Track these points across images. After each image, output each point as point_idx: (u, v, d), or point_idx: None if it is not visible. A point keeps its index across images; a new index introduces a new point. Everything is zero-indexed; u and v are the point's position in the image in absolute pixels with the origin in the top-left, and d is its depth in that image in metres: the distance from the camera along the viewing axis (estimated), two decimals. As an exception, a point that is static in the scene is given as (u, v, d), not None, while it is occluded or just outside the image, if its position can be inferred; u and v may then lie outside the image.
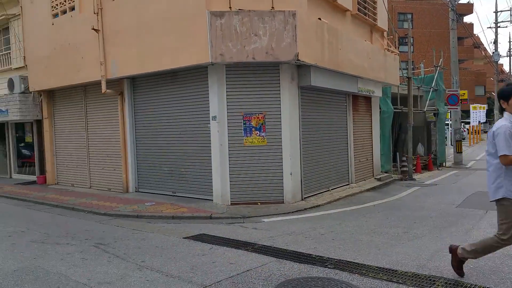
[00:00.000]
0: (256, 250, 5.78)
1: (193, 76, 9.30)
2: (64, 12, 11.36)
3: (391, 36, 14.30)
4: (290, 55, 8.30)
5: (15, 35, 13.79)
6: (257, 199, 8.85)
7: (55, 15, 11.62)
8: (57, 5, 11.52)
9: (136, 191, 10.78)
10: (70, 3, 11.14)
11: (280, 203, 8.84)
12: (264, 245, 5.99)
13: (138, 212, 8.36)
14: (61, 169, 12.98)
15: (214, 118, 8.81)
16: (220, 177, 8.79)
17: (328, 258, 5.35)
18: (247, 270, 4.97)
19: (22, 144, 15.24)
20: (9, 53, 14.53)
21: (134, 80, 10.58)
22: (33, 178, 14.16)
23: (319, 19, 9.17)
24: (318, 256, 5.45)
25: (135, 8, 9.49)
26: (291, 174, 8.86)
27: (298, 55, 8.27)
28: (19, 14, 13.13)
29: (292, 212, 8.26)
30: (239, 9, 8.28)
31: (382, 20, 12.78)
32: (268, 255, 5.53)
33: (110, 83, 10.45)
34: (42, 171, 13.59)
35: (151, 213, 8.27)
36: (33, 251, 6.01)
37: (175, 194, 9.91)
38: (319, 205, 8.86)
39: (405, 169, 13.53)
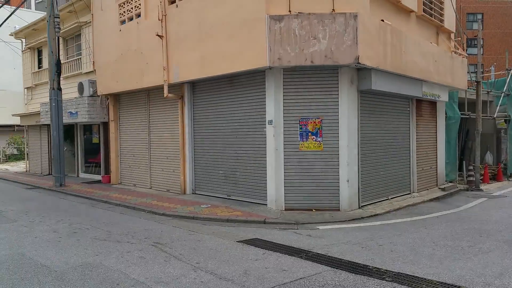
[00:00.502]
0: (310, 258, 5.63)
1: (250, 80, 9.34)
2: (131, 19, 11.93)
3: (459, 38, 13.49)
4: (350, 58, 8.06)
5: (86, 41, 14.71)
6: (312, 205, 8.66)
7: (123, 22, 12.23)
8: (124, 12, 12.12)
9: (192, 193, 11.01)
10: (136, 10, 11.68)
11: (336, 210, 8.59)
12: (318, 253, 5.82)
13: (194, 214, 8.51)
14: (124, 169, 13.61)
15: (270, 122, 8.76)
16: (274, 182, 8.73)
17: (386, 270, 5.09)
18: (300, 278, 4.85)
19: (89, 145, 16.17)
20: (80, 58, 15.53)
21: (194, 85, 10.84)
22: (98, 177, 14.98)
23: (382, 20, 8.83)
24: (375, 267, 5.20)
25: (197, 15, 9.72)
26: (347, 181, 8.58)
27: (358, 58, 8.01)
28: (90, 22, 14.00)
29: (348, 220, 7.99)
30: (298, 13, 8.20)
31: (449, 21, 12.07)
32: (322, 263, 5.37)
33: (172, 87, 10.80)
34: (107, 171, 14.32)
35: (206, 215, 8.38)
36: (96, 247, 6.30)
37: (229, 198, 9.99)
38: (377, 214, 8.50)
39: (471, 178, 12.64)
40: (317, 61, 8.13)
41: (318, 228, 7.41)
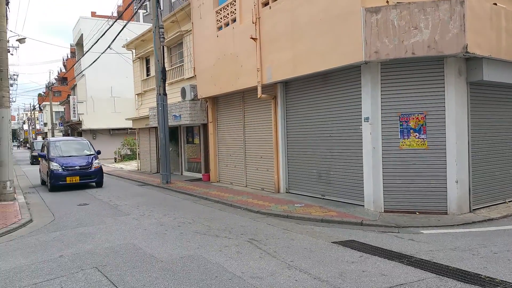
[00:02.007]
0: (412, 263, 5.25)
1: (344, 76, 9.08)
2: (227, 24, 12.40)
3: None
4: (457, 48, 7.37)
5: (187, 49, 15.67)
6: (415, 208, 8.09)
7: (219, 28, 12.78)
8: (221, 18, 12.65)
9: (286, 192, 11.05)
10: (232, 15, 12.11)
11: (443, 214, 7.90)
12: (422, 259, 5.39)
13: (288, 213, 8.51)
14: (222, 168, 14.20)
15: (367, 119, 8.40)
16: (372, 182, 8.34)
17: (501, 281, 4.53)
18: (401, 284, 4.54)
19: (191, 145, 17.19)
20: (182, 65, 16.59)
21: (287, 84, 10.88)
22: (199, 175, 15.85)
23: (495, 4, 7.93)
24: (488, 277, 4.65)
25: (290, 14, 9.75)
26: (456, 181, 7.85)
27: (467, 47, 7.29)
28: (191, 30, 14.88)
29: (458, 225, 7.29)
30: (397, 2, 7.74)
31: None
32: (426, 270, 4.96)
33: (265, 88, 10.98)
34: (207, 169, 15.08)
35: (300, 214, 8.33)
36: (197, 241, 6.64)
37: (324, 197, 9.82)
38: (492, 219, 7.63)
39: None
40: (419, 53, 7.58)
41: (422, 233, 6.88)
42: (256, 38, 10.68)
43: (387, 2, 7.86)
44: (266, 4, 10.67)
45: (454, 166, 7.84)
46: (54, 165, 13.90)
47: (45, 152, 15.11)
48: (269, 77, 10.56)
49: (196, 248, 6.19)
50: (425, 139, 8.04)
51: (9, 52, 13.49)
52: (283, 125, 11.01)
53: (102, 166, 15.87)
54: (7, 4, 12.03)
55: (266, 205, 9.45)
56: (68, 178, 13.84)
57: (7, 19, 11.91)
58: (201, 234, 7.13)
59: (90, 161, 14.58)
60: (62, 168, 13.89)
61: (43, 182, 16.05)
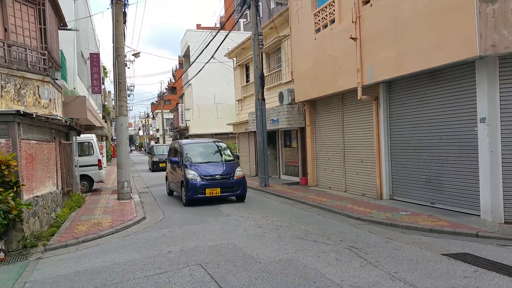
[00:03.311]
0: (542, 284, 4.56)
1: (455, 73, 8.31)
2: (325, 26, 12.24)
3: None
4: None
5: (285, 54, 15.84)
6: (543, 220, 7.05)
7: (317, 30, 12.67)
8: (319, 20, 12.54)
9: (390, 199, 10.47)
10: (330, 16, 11.92)
11: None
12: (555, 280, 4.66)
13: (392, 221, 8.04)
14: (320, 172, 14.01)
15: (483, 120, 7.57)
16: (490, 189, 7.48)
17: None
18: (529, 308, 3.96)
19: (289, 149, 17.28)
20: (280, 70, 16.81)
21: (390, 84, 10.34)
22: (296, 179, 15.85)
23: None
24: None
25: (392, 11, 9.27)
26: None
27: None
28: (288, 35, 15.01)
29: None
30: (518, -12, 6.86)
31: None
32: (562, 294, 4.27)
33: (366, 89, 10.58)
34: (304, 173, 15.02)
35: (406, 223, 7.80)
36: (295, 245, 6.61)
37: (433, 205, 9.08)
38: None
39: None
40: (546, 43, 6.62)
41: (552, 249, 5.97)
42: (356, 38, 10.35)
43: (507, -12, 7.02)
44: (366, 2, 10.29)
45: None
46: (191, 174, 11.32)
47: (178, 157, 12.67)
48: (370, 78, 10.15)
49: (294, 252, 6.17)
50: (557, 142, 6.96)
51: (126, 66, 14.99)
52: (385, 127, 10.47)
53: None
54: (124, 22, 13.40)
55: (367, 212, 9.06)
56: (207, 190, 11.17)
57: (124, 36, 13.27)
58: (298, 238, 7.08)
59: (232, 169, 11.92)
60: (201, 177, 11.29)
61: (171, 193, 14.06)
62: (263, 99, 14.86)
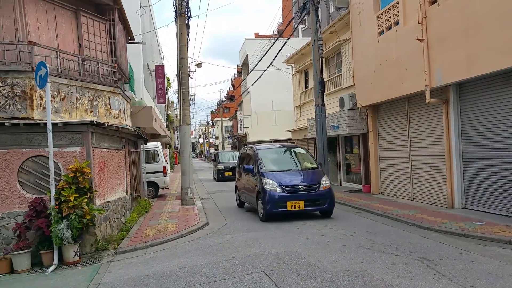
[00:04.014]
0: None
1: (538, 73, 7.63)
2: (389, 28, 11.82)
3: None
4: None
5: (345, 58, 15.52)
6: None
7: (380, 33, 12.26)
8: (382, 23, 12.14)
9: (462, 208, 9.80)
10: (394, 18, 11.50)
11: None
12: None
13: (465, 231, 7.49)
14: (384, 179, 13.47)
15: None
16: None
17: None
18: None
19: (350, 155, 16.84)
20: (340, 75, 16.49)
21: (460, 86, 9.73)
22: (358, 186, 15.37)
23: None
24: None
25: (462, 10, 8.74)
26: None
27: None
28: (349, 39, 14.69)
29: None
30: None
31: None
32: None
33: (434, 92, 10.04)
34: (367, 180, 14.52)
35: (481, 233, 7.23)
36: (361, 255, 6.36)
37: (510, 215, 8.35)
38: None
39: None
40: None
41: None
42: (422, 39, 9.87)
43: None
44: (433, 2, 9.80)
45: None
46: (269, 183, 9.74)
47: (252, 164, 11.09)
48: (439, 80, 9.61)
49: (360, 263, 5.93)
50: None
51: (189, 76, 15.49)
52: (456, 131, 9.85)
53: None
54: (187, 34, 13.87)
55: (438, 221, 8.52)
56: (289, 203, 9.51)
57: (187, 47, 13.72)
58: (364, 248, 6.81)
59: (317, 179, 10.07)
60: (282, 188, 9.67)
61: (241, 204, 12.66)
62: (323, 105, 14.62)
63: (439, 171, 10.51)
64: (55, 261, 6.94)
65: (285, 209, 9.53)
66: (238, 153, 22.71)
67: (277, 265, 5.97)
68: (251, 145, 12.20)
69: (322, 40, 14.50)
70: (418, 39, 9.94)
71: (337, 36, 15.85)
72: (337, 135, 16.31)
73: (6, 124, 7.12)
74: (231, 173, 22.98)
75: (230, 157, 25.28)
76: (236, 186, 13.16)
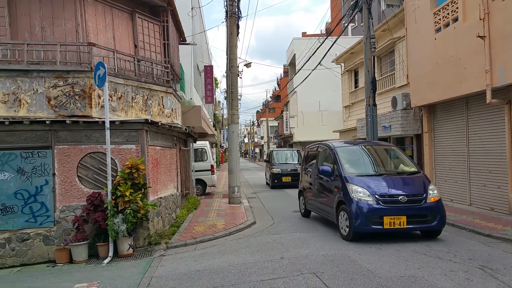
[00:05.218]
0: None
1: None
2: (447, 25, 11.27)
3: None
4: None
5: (399, 56, 14.99)
6: None
7: (437, 30, 11.71)
8: (439, 20, 11.59)
9: (527, 215, 9.15)
10: (453, 14, 10.94)
11: None
12: None
13: (533, 241, 6.98)
14: (439, 183, 12.86)
15: None
16: None
17: None
18: None
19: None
20: (393, 73, 15.95)
21: (526, 85, 9.09)
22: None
23: None
24: None
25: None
26: None
27: None
28: (403, 36, 14.17)
29: None
30: None
31: None
32: None
33: (496, 92, 9.45)
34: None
35: (551, 244, 6.71)
36: (417, 261, 6.09)
37: None
38: None
39: None
40: None
41: None
42: (484, 36, 9.31)
43: None
44: (496, -5, 9.22)
45: None
46: (359, 192, 7.52)
47: (332, 164, 8.68)
48: (502, 79, 9.02)
49: (416, 269, 5.67)
50: None
51: (238, 76, 15.62)
52: (520, 134, 9.21)
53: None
54: (237, 35, 13.99)
55: (499, 228, 8.00)
56: (386, 219, 7.20)
57: (236, 47, 13.83)
58: (420, 253, 6.51)
59: (422, 187, 7.73)
60: (375, 198, 7.37)
61: (307, 213, 10.53)
62: (374, 105, 14.18)
63: (500, 175, 9.87)
64: (111, 253, 7.23)
65: (381, 227, 7.23)
66: (296, 152, 20.89)
67: (327, 267, 5.85)
68: (323, 143, 10.17)
69: (374, 38, 14.09)
70: (479, 36, 9.38)
71: (391, 34, 15.34)
72: (389, 136, 15.79)
73: (67, 122, 7.51)
74: (290, 178, 18.60)
75: (288, 157, 20.54)
76: (300, 192, 11.06)
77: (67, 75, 7.91)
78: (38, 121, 7.43)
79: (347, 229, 7.61)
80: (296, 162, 19.53)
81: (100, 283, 5.79)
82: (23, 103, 7.71)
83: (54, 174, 7.55)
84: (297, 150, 20.64)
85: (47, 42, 8.04)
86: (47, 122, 7.42)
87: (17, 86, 7.69)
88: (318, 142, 10.69)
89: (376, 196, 7.39)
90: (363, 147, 9.27)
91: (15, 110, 7.67)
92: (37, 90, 7.76)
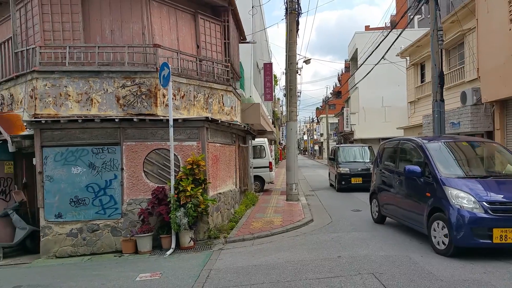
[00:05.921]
0: None
1: None
2: (523, 13, 10.42)
3: None
4: None
5: (469, 49, 14.08)
6: None
7: (512, 19, 10.87)
8: (514, 8, 10.75)
9: None
10: (530, 1, 10.10)
11: None
12: None
13: None
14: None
15: None
16: None
17: None
18: None
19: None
20: (463, 67, 15.01)
21: None
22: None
23: None
24: None
25: None
26: None
27: None
28: (474, 28, 13.29)
29: None
30: None
31: None
32: None
33: None
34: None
35: None
36: (481, 264, 5.74)
37: None
38: None
39: None
40: None
41: None
42: None
43: None
44: None
45: None
46: (461, 198, 6.23)
47: (419, 164, 7.34)
48: None
49: (482, 273, 5.35)
50: None
51: (297, 73, 15.58)
52: None
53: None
54: (297, 31, 13.93)
55: None
56: (497, 232, 5.87)
57: (296, 44, 13.79)
58: (488, 257, 6.12)
59: None
60: (482, 205, 6.05)
61: (381, 219, 9.28)
62: (442, 100, 13.45)
63: None
64: (173, 245, 7.59)
65: (490, 241, 5.90)
66: (367, 148, 18.00)
67: (387, 268, 5.69)
68: (406, 138, 9.11)
69: (442, 30, 13.36)
70: (562, 24, 8.58)
71: (460, 25, 14.45)
72: (457, 133, 14.91)
73: (134, 120, 7.97)
74: (360, 179, 16.07)
75: (357, 155, 17.76)
76: (372, 193, 9.75)
77: (134, 75, 8.38)
78: (108, 119, 7.96)
79: (445, 242, 6.32)
80: (368, 161, 16.83)
81: (162, 273, 6.11)
82: (95, 102, 8.31)
83: (122, 169, 8.06)
84: (369, 146, 18.36)
85: (116, 45, 8.58)
86: (116, 120, 7.92)
87: (89, 86, 8.29)
88: (397, 138, 9.77)
89: (484, 203, 6.05)
90: (458, 143, 7.89)
91: (87, 109, 8.28)
92: (107, 90, 8.32)
